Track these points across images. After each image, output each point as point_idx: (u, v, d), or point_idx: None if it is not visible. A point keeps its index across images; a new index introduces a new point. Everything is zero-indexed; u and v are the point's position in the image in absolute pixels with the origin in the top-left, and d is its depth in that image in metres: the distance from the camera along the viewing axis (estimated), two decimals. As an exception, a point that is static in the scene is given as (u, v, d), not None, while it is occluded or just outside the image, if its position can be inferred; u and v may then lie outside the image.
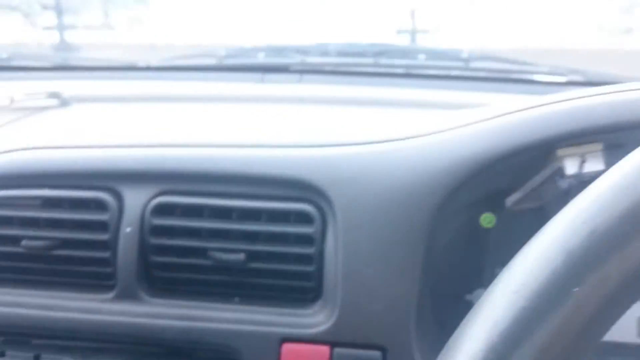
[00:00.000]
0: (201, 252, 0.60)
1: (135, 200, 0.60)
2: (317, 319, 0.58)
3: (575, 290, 0.23)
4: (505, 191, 0.56)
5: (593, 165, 0.51)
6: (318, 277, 0.58)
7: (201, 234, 0.60)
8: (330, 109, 0.92)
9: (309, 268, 0.58)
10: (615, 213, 0.24)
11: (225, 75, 1.08)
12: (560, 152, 0.52)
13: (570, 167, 0.51)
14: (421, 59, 1.05)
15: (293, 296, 0.60)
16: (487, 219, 0.57)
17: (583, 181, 0.51)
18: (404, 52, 1.07)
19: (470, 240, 0.59)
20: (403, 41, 1.28)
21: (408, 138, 0.58)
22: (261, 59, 1.09)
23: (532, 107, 0.54)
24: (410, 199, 0.54)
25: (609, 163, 0.51)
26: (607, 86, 0.54)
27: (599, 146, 0.51)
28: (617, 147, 0.51)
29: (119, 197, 0.61)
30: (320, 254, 0.58)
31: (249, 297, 0.61)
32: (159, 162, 0.61)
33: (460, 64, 1.04)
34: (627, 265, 0.23)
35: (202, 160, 0.60)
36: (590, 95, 0.53)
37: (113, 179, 0.61)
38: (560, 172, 0.52)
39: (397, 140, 0.58)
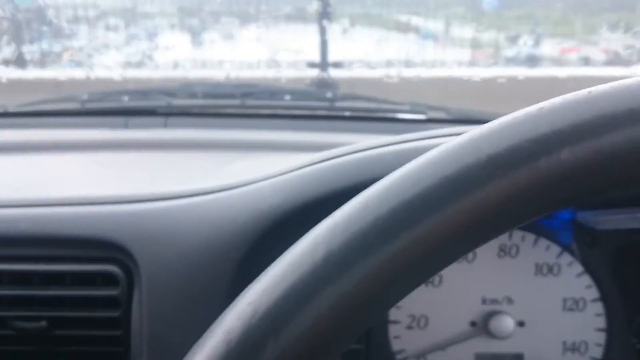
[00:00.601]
0: (1, 322, 0.55)
1: None
2: (125, 386, 0.55)
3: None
4: None
5: None
6: (126, 341, 0.55)
7: (1, 302, 0.56)
8: (192, 155, 0.90)
9: (116, 332, 0.55)
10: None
11: (87, 120, 1.04)
12: None
13: None
14: (287, 99, 1.05)
15: (102, 363, 0.56)
16: None
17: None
18: (270, 93, 1.06)
19: None
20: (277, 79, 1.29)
21: (215, 191, 0.56)
22: (125, 102, 1.05)
23: (338, 157, 0.54)
24: (213, 254, 0.53)
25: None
26: (407, 135, 0.54)
27: None
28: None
29: None
30: (127, 317, 0.55)
31: (57, 367, 0.57)
32: None
33: (325, 103, 1.05)
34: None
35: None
36: (391, 144, 0.53)
37: None
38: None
39: (203, 194, 0.56)
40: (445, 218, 0.25)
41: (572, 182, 0.25)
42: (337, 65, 3.14)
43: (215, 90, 1.08)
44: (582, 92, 0.26)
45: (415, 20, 3.09)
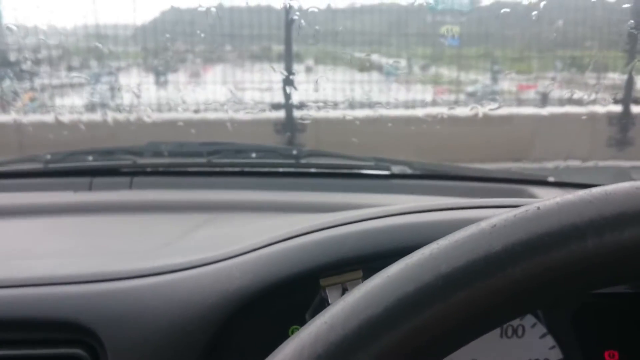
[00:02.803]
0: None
1: None
2: None
3: None
4: (289, 319, 0.55)
5: None
6: None
7: (-40, 389, 0.54)
8: (158, 218, 0.90)
9: (81, 417, 0.54)
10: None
11: (50, 181, 1.03)
12: (322, 281, 0.52)
13: (333, 296, 0.51)
14: (253, 157, 1.06)
15: None
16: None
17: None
18: (236, 151, 1.07)
19: None
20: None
21: (182, 269, 0.56)
22: (89, 162, 1.05)
23: (299, 235, 0.55)
24: (181, 337, 0.52)
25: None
26: (369, 211, 0.56)
27: (359, 274, 0.52)
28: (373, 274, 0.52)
29: None
30: (93, 400, 0.54)
31: None
32: None
33: (291, 160, 1.06)
34: None
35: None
36: (353, 222, 0.55)
37: None
38: (324, 303, 0.52)
39: (170, 272, 0.56)
40: (404, 335, 0.26)
41: (524, 296, 0.26)
42: (301, 106, 3.17)
43: (181, 148, 1.09)
44: (532, 209, 0.28)
45: (378, 59, 3.17)
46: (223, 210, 0.92)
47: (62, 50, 2.18)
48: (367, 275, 0.53)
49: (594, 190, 0.28)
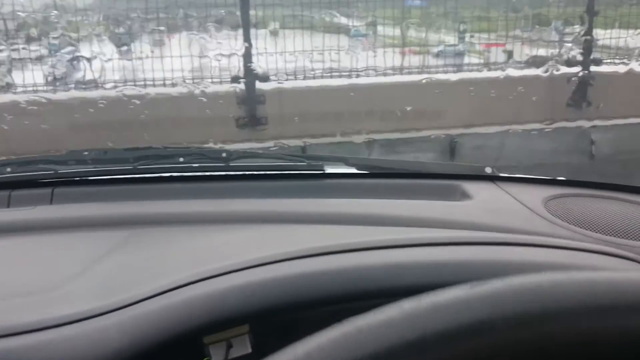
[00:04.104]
0: None
1: None
2: None
3: None
4: None
5: (239, 349, 0.50)
6: None
7: None
8: (76, 238, 0.86)
9: None
10: None
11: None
12: (206, 339, 0.50)
13: (216, 354, 0.49)
14: (181, 161, 1.02)
15: None
16: None
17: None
18: (163, 156, 1.03)
19: None
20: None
21: (60, 325, 0.53)
22: (7, 173, 1.00)
23: (183, 285, 0.52)
24: None
25: (257, 344, 0.50)
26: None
27: (245, 328, 0.50)
28: (263, 327, 0.50)
29: None
30: None
31: None
32: None
33: (220, 163, 1.02)
34: None
35: None
36: (241, 269, 0.52)
37: None
38: (209, 361, 0.50)
39: (46, 329, 0.53)
40: None
41: None
42: (264, 78, 3.09)
43: (105, 155, 1.04)
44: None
45: (345, 21, 3.10)
46: (147, 224, 0.88)
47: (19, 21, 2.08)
48: (254, 329, 0.50)
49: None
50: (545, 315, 0.26)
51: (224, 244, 0.72)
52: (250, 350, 0.51)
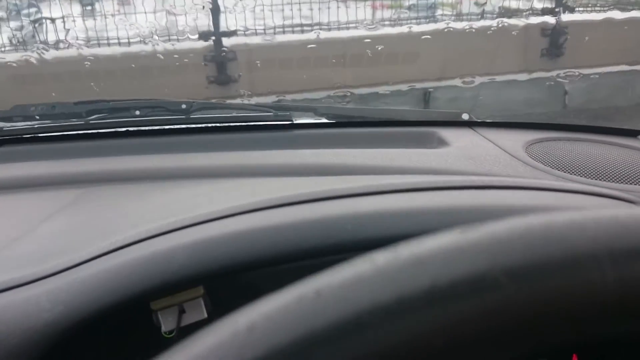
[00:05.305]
0: None
1: None
2: None
3: None
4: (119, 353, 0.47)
5: (193, 315, 0.44)
6: None
7: None
8: (22, 199, 0.79)
9: None
10: None
11: None
12: (153, 305, 0.44)
13: (167, 322, 0.43)
14: (137, 114, 0.94)
15: None
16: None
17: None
18: (117, 109, 0.95)
19: None
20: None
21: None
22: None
23: (125, 246, 0.45)
24: None
25: (214, 310, 0.45)
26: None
27: (199, 291, 0.44)
28: (221, 290, 0.44)
29: None
30: None
31: None
32: None
33: (180, 116, 0.95)
34: None
35: None
36: (188, 225, 0.46)
37: None
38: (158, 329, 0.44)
39: None
40: None
41: None
42: (230, 34, 2.98)
43: (53, 110, 0.95)
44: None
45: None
46: (100, 182, 0.81)
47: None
48: (211, 293, 0.45)
49: None
50: (566, 263, 0.20)
51: (179, 200, 0.65)
52: (205, 316, 0.45)
